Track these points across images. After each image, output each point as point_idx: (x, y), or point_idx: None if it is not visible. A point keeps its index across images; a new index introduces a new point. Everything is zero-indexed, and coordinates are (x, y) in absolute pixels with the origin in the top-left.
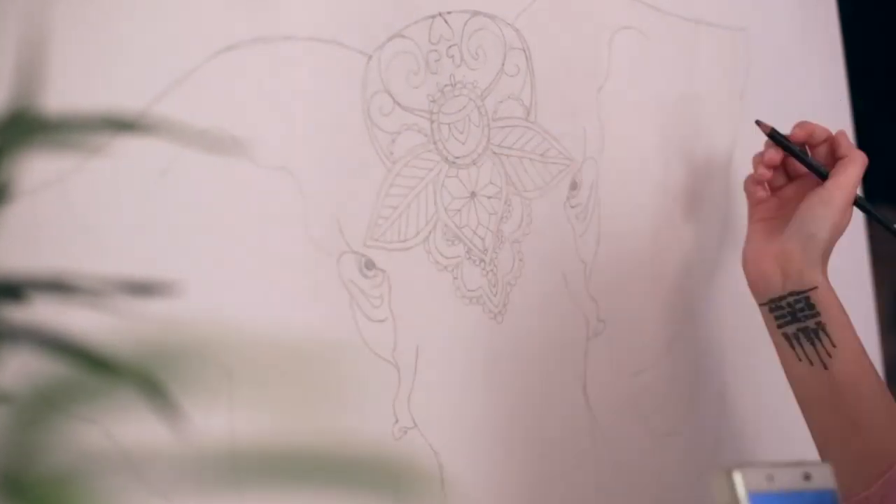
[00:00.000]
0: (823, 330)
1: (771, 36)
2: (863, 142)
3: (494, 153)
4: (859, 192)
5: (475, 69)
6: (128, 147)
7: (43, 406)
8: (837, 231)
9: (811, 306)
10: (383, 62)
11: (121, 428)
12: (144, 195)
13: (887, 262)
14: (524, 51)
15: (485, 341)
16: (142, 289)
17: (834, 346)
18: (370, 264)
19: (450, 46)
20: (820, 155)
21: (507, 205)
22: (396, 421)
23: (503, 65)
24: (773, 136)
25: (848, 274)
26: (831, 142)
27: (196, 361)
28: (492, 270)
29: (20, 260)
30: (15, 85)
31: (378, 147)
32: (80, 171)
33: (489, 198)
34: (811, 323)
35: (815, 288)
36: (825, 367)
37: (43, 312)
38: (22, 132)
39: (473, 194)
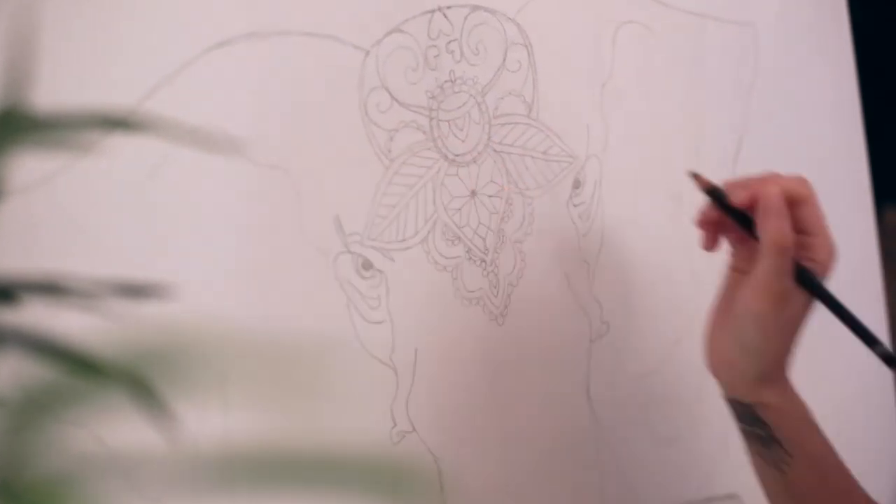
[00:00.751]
0: (775, 440)
1: (779, 31)
2: (873, 141)
3: (495, 151)
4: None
5: (475, 65)
6: (119, 145)
7: (33, 410)
8: (781, 336)
9: (757, 419)
10: (381, 58)
11: (112, 432)
12: (136, 194)
13: None
14: (526, 46)
15: (485, 344)
16: (134, 290)
17: (790, 455)
18: (368, 265)
19: (449, 42)
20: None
21: (509, 204)
22: (394, 425)
23: (504, 60)
24: (713, 195)
25: (858, 273)
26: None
27: (190, 364)
28: (493, 271)
29: (10, 261)
30: (4, 82)
31: (375, 145)
32: (71, 170)
33: (490, 196)
34: (761, 431)
35: (759, 402)
36: (782, 472)
37: (33, 314)
38: (11, 130)
39: (474, 193)
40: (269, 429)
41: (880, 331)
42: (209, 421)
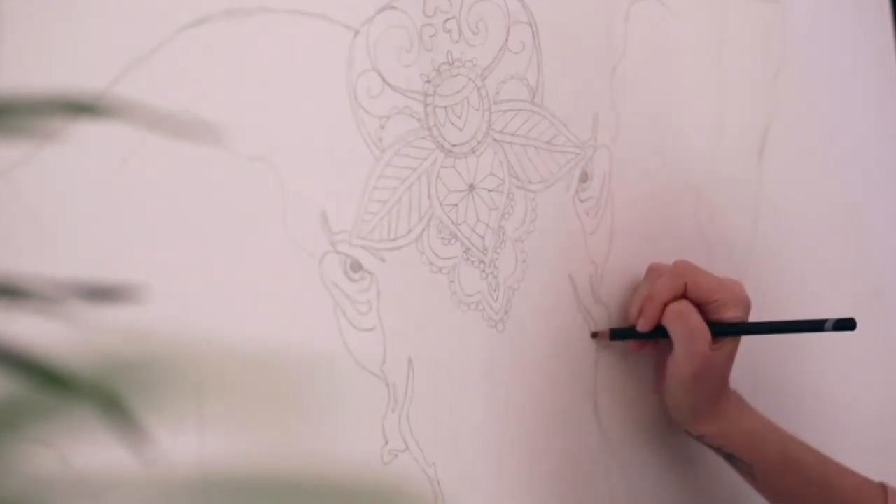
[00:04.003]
0: (733, 456)
1: (809, 9)
2: None
3: (496, 140)
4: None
5: (475, 45)
6: (85, 133)
7: None
8: (702, 388)
9: (708, 444)
10: (372, 37)
11: (77, 451)
12: (104, 187)
13: None
14: (530, 25)
15: (484, 352)
16: (101, 294)
17: (751, 464)
18: (356, 266)
19: (447, 20)
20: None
21: (510, 199)
22: (386, 443)
23: (507, 40)
24: (623, 335)
25: None
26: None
27: (161, 376)
28: (492, 273)
29: None
30: None
31: (366, 133)
32: (32, 160)
33: (489, 191)
34: (719, 451)
35: (701, 434)
36: (753, 477)
37: None
38: None
39: (472, 187)
40: (248, 448)
41: None
42: (183, 439)
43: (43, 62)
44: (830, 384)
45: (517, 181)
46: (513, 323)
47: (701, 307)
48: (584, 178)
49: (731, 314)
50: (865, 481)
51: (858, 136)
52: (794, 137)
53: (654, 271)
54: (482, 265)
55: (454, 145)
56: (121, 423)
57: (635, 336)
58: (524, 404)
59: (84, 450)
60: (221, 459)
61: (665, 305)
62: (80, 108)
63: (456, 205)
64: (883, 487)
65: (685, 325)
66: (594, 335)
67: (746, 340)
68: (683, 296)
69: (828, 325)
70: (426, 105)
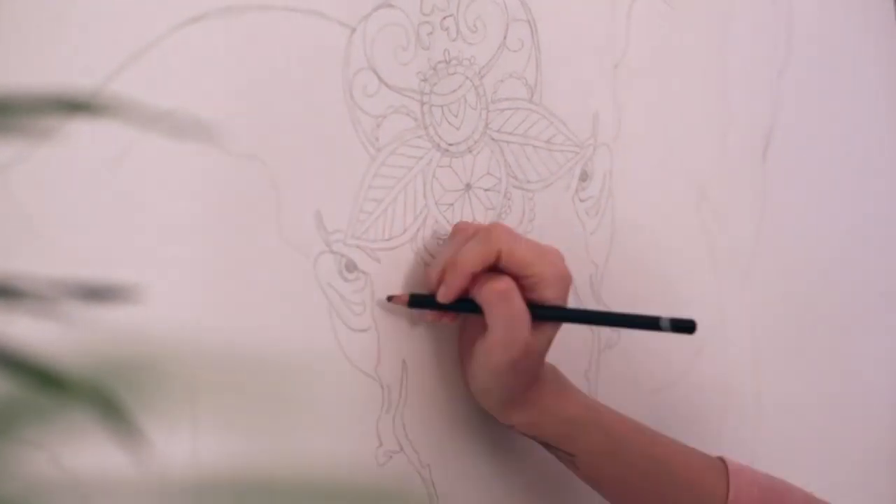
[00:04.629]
0: (549, 445)
1: (813, 6)
2: None
3: (493, 139)
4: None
5: (473, 43)
6: (80, 132)
7: None
8: (517, 377)
9: (520, 432)
10: (368, 35)
11: (71, 453)
12: (99, 186)
13: None
14: (529, 22)
15: None
16: (96, 293)
17: (572, 454)
18: (351, 266)
19: (444, 17)
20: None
21: (507, 198)
22: (380, 444)
23: (505, 38)
24: (419, 303)
25: None
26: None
27: (155, 376)
28: None
29: None
30: None
31: (361, 132)
32: (26, 160)
33: (486, 190)
34: (537, 440)
35: (512, 424)
36: (575, 466)
37: None
38: None
39: (468, 186)
40: (242, 450)
41: None
42: (177, 441)
43: (37, 60)
44: (833, 385)
45: (515, 180)
46: None
47: (515, 281)
48: (584, 177)
49: (550, 293)
50: (704, 457)
51: (863, 135)
52: (799, 136)
53: (461, 232)
54: None
55: (451, 144)
56: (115, 424)
57: (435, 307)
58: None
59: (77, 451)
60: (215, 460)
61: (471, 275)
62: (74, 106)
63: (452, 204)
64: (722, 461)
65: (507, 310)
66: (389, 298)
67: (751, 344)
68: (494, 266)
69: (664, 323)
70: (423, 104)
